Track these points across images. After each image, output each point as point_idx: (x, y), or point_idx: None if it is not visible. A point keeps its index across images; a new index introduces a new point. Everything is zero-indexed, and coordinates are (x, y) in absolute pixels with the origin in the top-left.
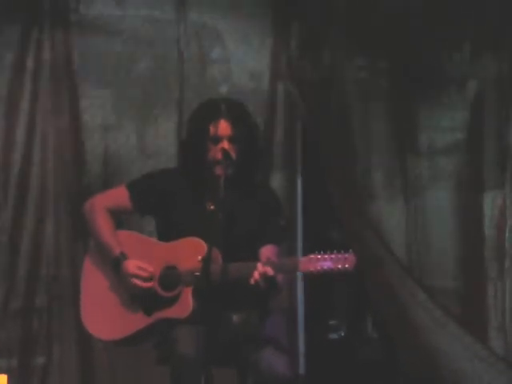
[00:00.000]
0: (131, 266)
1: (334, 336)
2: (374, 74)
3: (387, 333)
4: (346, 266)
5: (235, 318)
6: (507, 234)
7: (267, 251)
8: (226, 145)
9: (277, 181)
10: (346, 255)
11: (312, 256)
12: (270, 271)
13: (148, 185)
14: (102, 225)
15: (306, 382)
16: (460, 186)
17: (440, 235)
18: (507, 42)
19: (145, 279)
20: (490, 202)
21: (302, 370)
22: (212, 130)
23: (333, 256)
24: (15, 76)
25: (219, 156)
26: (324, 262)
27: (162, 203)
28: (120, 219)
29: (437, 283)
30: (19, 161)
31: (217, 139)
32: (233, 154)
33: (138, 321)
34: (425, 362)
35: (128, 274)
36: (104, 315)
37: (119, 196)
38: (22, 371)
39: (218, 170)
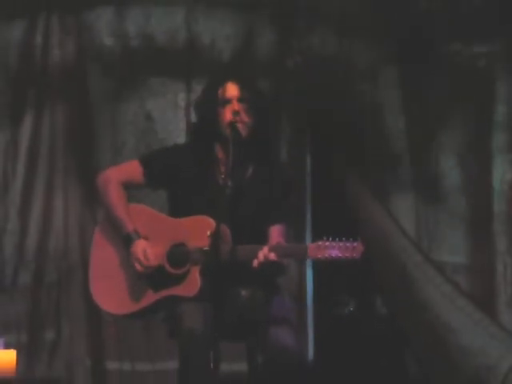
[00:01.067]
0: (139, 247)
1: (342, 312)
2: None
3: (396, 308)
4: (354, 255)
5: (244, 293)
6: None
7: (275, 233)
8: (235, 105)
9: (285, 160)
10: (355, 244)
11: (320, 243)
12: (273, 257)
13: (161, 159)
14: (116, 199)
15: (315, 357)
16: (469, 161)
17: (449, 210)
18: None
19: (144, 266)
20: (499, 177)
21: (310, 344)
22: (220, 93)
23: (341, 244)
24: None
25: (229, 117)
26: (332, 249)
27: (174, 177)
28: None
29: (446, 258)
30: (28, 136)
31: (226, 101)
32: (243, 114)
33: (146, 297)
34: (433, 338)
35: (133, 255)
36: (113, 289)
37: (132, 170)
38: (32, 346)
39: (229, 132)
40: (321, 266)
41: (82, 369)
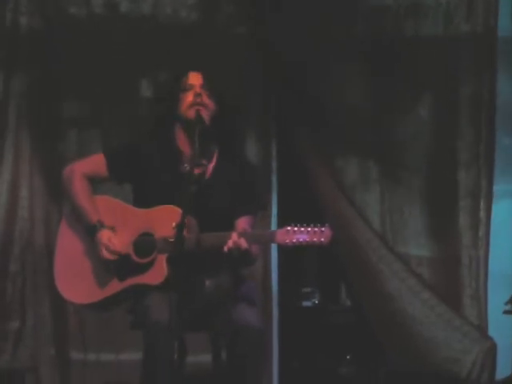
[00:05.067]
0: (105, 236)
1: (307, 303)
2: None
3: (361, 301)
4: (322, 239)
5: (208, 282)
6: (481, 202)
7: (243, 223)
8: (197, 89)
9: (252, 151)
10: (323, 229)
11: (289, 228)
12: (243, 243)
13: (125, 152)
14: (80, 190)
15: (280, 349)
16: (435, 154)
17: (414, 203)
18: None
19: (112, 252)
20: (465, 171)
21: (275, 336)
22: (183, 81)
23: (309, 229)
24: None
25: (191, 99)
26: (300, 234)
27: (138, 171)
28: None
29: (411, 251)
30: None
31: (188, 87)
32: (205, 98)
33: (111, 286)
34: (398, 330)
35: (99, 243)
36: (78, 279)
37: (97, 163)
38: None
39: (190, 114)
40: (286, 257)
41: (46, 358)
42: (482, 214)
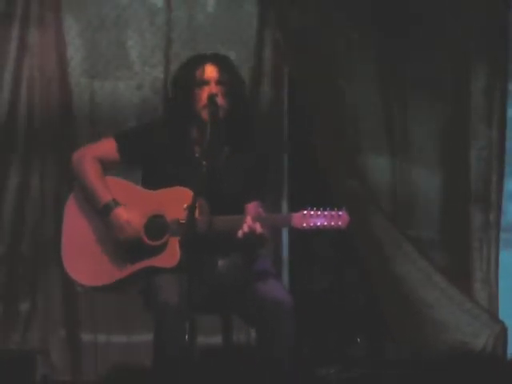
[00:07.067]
0: (122, 213)
1: (318, 286)
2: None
3: (372, 283)
4: (340, 223)
5: (221, 262)
6: (493, 185)
7: (255, 207)
8: (213, 88)
9: (263, 134)
10: (340, 213)
11: (305, 212)
12: (258, 228)
13: (136, 137)
14: (92, 171)
15: None
16: (447, 138)
17: (426, 186)
18: None
19: (134, 229)
20: (477, 154)
21: None
22: (198, 74)
23: (326, 213)
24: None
25: (206, 99)
26: (317, 218)
27: (149, 154)
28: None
29: (422, 234)
30: (6, 106)
31: (203, 83)
32: (220, 97)
33: (123, 268)
34: (408, 313)
35: (118, 221)
36: (87, 261)
37: (108, 147)
38: (7, 317)
39: (205, 115)
40: (297, 239)
41: (57, 340)
42: (493, 196)
